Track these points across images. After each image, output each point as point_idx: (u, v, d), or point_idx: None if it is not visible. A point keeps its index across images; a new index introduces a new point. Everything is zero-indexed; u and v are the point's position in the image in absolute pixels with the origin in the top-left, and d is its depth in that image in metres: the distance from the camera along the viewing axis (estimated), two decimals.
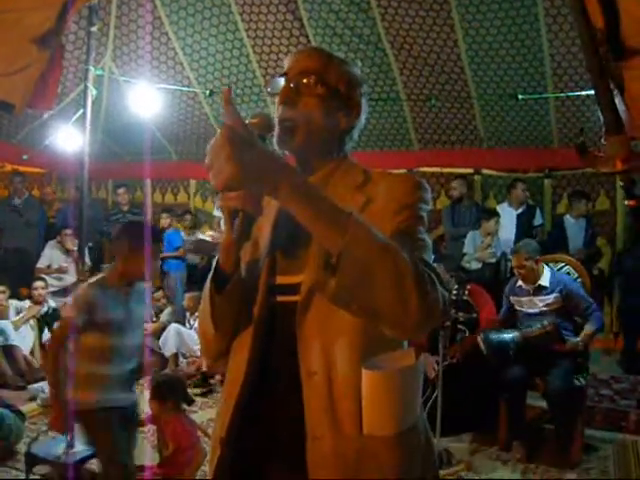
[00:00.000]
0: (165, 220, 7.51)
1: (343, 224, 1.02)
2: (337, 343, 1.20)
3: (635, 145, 1.43)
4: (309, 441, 1.17)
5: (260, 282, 1.29)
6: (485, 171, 7.02)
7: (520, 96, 6.06)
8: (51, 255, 6.94)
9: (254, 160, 1.01)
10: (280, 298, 1.27)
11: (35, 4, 2.28)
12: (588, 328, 4.10)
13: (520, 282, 4.28)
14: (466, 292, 4.28)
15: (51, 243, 7.05)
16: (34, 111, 2.85)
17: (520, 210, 6.42)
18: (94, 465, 3.32)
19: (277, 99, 1.31)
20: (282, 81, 1.31)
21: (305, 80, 1.29)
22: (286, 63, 1.35)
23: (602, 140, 1.68)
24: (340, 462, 1.16)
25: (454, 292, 4.09)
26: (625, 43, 1.48)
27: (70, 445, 3.32)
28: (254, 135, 1.06)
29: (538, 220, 6.57)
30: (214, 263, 1.27)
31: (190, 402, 3.42)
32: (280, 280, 1.28)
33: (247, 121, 1.13)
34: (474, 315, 4.43)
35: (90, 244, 7.04)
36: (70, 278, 6.67)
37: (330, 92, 1.31)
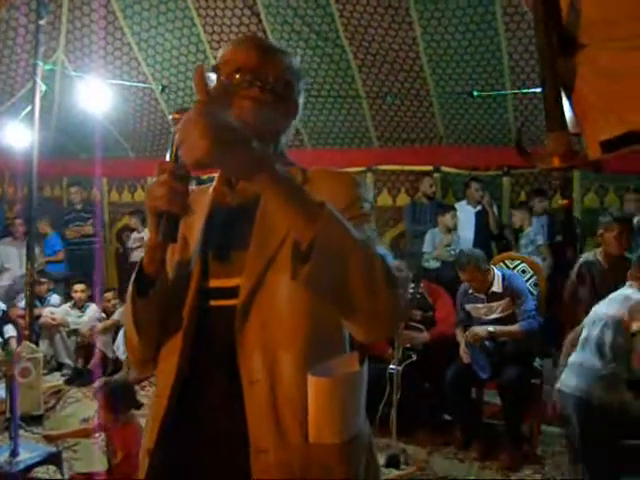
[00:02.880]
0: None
1: (316, 212, 0.97)
2: (280, 349, 1.13)
3: (578, 141, 1.40)
4: (253, 454, 1.10)
5: (190, 285, 1.21)
6: (444, 168, 7.01)
7: (475, 93, 6.08)
8: (7, 253, 6.82)
9: (229, 138, 0.94)
10: (214, 302, 1.20)
11: None
12: (512, 328, 3.96)
13: (472, 290, 4.18)
14: (420, 289, 4.19)
15: (4, 241, 6.94)
16: None
17: (478, 208, 6.39)
18: (39, 473, 3.22)
19: None
20: (213, 77, 1.21)
21: (239, 79, 1.21)
22: (220, 54, 1.26)
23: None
24: (286, 473, 1.10)
25: (410, 289, 4.02)
26: (570, 38, 1.46)
27: (14, 453, 3.21)
28: (229, 114, 1.01)
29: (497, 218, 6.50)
30: (137, 265, 1.19)
31: (139, 407, 3.32)
32: (213, 283, 1.21)
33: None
34: (430, 313, 4.39)
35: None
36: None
37: (266, 92, 1.23)
